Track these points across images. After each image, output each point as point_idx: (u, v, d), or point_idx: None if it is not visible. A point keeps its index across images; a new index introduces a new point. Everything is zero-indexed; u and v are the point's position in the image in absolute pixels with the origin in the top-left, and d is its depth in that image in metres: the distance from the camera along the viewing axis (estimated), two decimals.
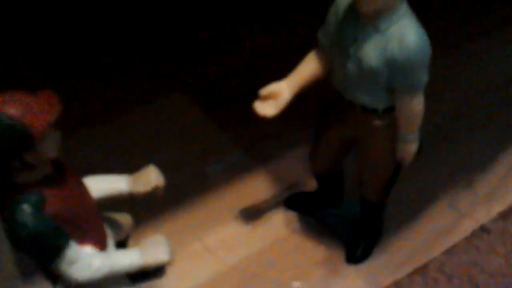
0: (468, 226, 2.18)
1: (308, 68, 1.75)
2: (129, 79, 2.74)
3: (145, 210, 2.15)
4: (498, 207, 2.25)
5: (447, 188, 2.32)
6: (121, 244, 1.83)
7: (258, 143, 2.45)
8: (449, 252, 2.05)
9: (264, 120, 1.86)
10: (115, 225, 1.78)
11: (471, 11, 3.25)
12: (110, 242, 1.63)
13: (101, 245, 1.54)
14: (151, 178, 1.60)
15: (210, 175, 2.35)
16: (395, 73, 1.56)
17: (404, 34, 1.51)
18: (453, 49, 2.98)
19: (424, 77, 1.58)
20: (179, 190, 2.25)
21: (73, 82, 2.72)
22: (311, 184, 2.22)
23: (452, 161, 2.42)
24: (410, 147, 1.73)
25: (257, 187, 2.31)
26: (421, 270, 2.03)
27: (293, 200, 2.24)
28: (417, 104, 1.63)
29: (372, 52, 1.55)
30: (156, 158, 2.31)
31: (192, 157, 2.40)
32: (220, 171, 2.36)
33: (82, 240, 1.49)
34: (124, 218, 1.85)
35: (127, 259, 1.53)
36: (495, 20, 3.20)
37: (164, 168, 2.25)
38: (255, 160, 2.40)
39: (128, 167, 1.77)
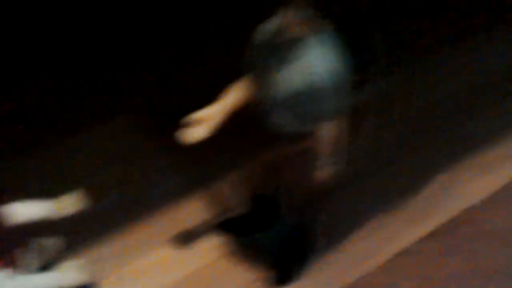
0: (393, 248, 2.26)
1: (236, 93, 1.83)
2: (73, 102, 2.78)
3: (80, 232, 2.19)
4: (424, 229, 2.33)
5: (379, 210, 2.39)
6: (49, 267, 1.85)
7: (195, 168, 2.50)
8: (372, 273, 2.12)
9: (201, 145, 1.93)
10: (40, 249, 1.80)
11: (426, 24, 3.31)
12: (31, 264, 1.66)
13: (17, 268, 1.57)
14: (69, 203, 1.67)
15: (148, 198, 2.37)
16: (313, 99, 1.63)
17: (323, 62, 1.60)
18: (408, 62, 3.04)
19: (340, 103, 1.66)
20: (117, 212, 2.30)
21: (16, 105, 2.75)
22: (245, 208, 2.27)
23: (387, 180, 2.51)
24: (329, 168, 1.80)
25: (192, 211, 2.36)
26: None
27: (226, 224, 2.29)
28: (334, 129, 1.71)
29: (291, 78, 1.63)
30: (96, 181, 2.37)
31: (131, 180, 2.45)
32: (158, 194, 2.39)
33: None
34: (51, 243, 1.88)
35: (43, 281, 1.56)
36: (453, 33, 3.28)
37: (103, 191, 2.31)
38: (192, 184, 2.44)
39: (70, 189, 1.81)
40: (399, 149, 2.67)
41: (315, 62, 1.58)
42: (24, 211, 1.67)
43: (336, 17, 1.78)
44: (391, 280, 2.09)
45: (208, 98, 1.91)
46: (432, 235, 2.32)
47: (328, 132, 1.69)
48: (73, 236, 2.15)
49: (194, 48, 3.15)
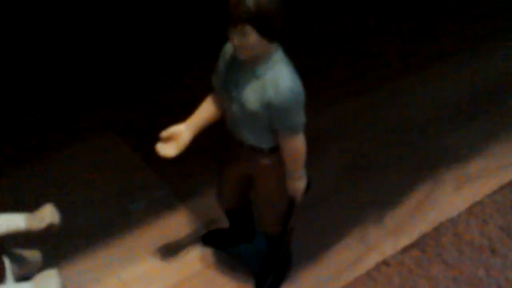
0: (373, 259, 2.28)
1: (206, 110, 1.87)
2: (56, 119, 2.85)
3: (63, 245, 2.25)
4: (404, 241, 2.36)
5: (357, 222, 2.43)
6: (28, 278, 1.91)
7: (179, 182, 2.56)
8: (351, 284, 2.14)
9: (185, 159, 1.98)
10: (21, 262, 1.86)
11: (388, 53, 3.42)
12: (10, 276, 1.71)
13: None
14: (46, 215, 1.70)
15: (131, 212, 2.44)
16: (273, 115, 1.67)
17: (279, 80, 1.63)
18: (374, 88, 3.14)
19: (300, 119, 1.69)
20: (98, 227, 2.36)
21: (5, 117, 2.84)
22: (227, 221, 2.32)
23: (363, 196, 2.54)
24: (298, 184, 1.84)
25: (176, 224, 2.41)
26: None
27: (209, 236, 2.33)
28: (298, 144, 1.74)
29: (251, 96, 1.67)
30: (81, 195, 2.44)
31: (116, 194, 2.50)
32: (142, 207, 2.46)
33: None
34: (33, 255, 1.93)
35: None
36: (417, 60, 3.38)
37: (87, 205, 2.38)
38: (175, 197, 2.50)
39: (57, 204, 1.88)
40: (378, 161, 2.71)
41: (277, 78, 1.60)
42: (2, 223, 1.72)
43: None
44: None
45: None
46: (414, 245, 2.34)
47: (295, 144, 1.72)
48: (54, 248, 2.23)
49: (179, 64, 3.22)
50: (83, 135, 2.77)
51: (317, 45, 3.44)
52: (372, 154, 2.74)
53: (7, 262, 1.72)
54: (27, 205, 2.35)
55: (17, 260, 1.83)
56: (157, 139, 1.87)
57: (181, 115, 2.40)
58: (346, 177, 2.61)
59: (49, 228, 1.72)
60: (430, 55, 3.44)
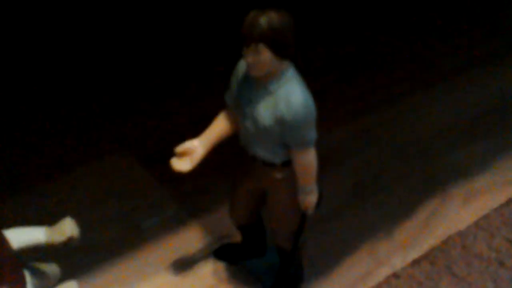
0: (383, 273, 2.32)
1: (219, 126, 1.92)
2: (69, 139, 2.92)
3: (78, 261, 2.30)
4: (413, 254, 2.39)
5: (368, 237, 2.46)
6: None
7: (191, 198, 2.61)
8: None
9: (197, 176, 2.02)
10: (40, 275, 1.90)
11: (397, 71, 3.48)
12: None
13: None
14: (66, 229, 1.74)
15: (145, 228, 2.48)
16: (285, 131, 1.72)
17: (291, 96, 1.68)
18: (382, 105, 3.19)
19: (312, 134, 1.74)
20: (113, 243, 2.41)
21: (17, 137, 2.90)
22: (239, 236, 2.36)
23: (373, 211, 2.58)
24: (310, 198, 1.88)
25: (188, 239, 2.45)
26: None
27: (221, 251, 2.37)
28: (309, 158, 1.79)
29: (264, 112, 1.72)
30: (95, 212, 2.49)
31: (129, 211, 2.55)
32: (155, 224, 2.50)
33: None
34: (51, 269, 1.98)
35: None
36: (425, 78, 3.43)
37: (100, 221, 2.42)
38: (188, 213, 2.54)
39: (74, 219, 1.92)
40: (387, 177, 2.75)
41: (289, 95, 1.66)
42: (22, 237, 1.76)
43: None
44: None
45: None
46: (423, 259, 2.37)
47: (307, 159, 1.76)
48: (70, 263, 2.27)
49: (193, 82, 3.29)
50: (97, 153, 2.83)
51: (325, 65, 3.50)
52: (381, 170, 2.78)
53: (27, 275, 1.76)
54: (42, 223, 2.40)
55: (37, 274, 1.87)
56: (168, 157, 1.92)
57: (194, 132, 2.46)
58: (356, 193, 2.65)
59: (69, 241, 1.76)
60: (438, 72, 3.49)
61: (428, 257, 2.34)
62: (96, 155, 2.80)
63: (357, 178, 2.72)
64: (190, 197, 2.60)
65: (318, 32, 3.77)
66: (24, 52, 3.49)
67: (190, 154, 1.89)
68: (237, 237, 2.43)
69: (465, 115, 3.15)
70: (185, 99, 3.19)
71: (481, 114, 3.16)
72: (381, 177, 2.73)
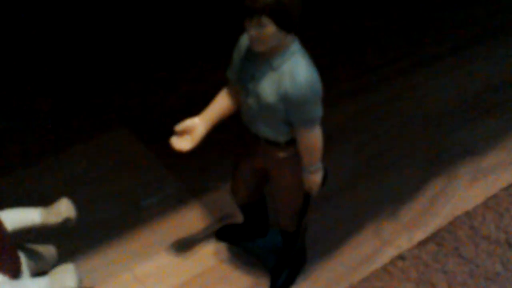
0: (388, 254, 2.26)
1: (220, 104, 1.85)
2: (72, 114, 2.86)
3: (77, 241, 2.25)
4: (419, 235, 2.34)
5: (373, 217, 2.41)
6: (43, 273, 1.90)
7: (192, 176, 2.55)
8: (367, 279, 2.13)
9: (198, 154, 1.96)
10: (36, 257, 1.85)
11: (403, 47, 3.41)
12: (26, 271, 1.70)
13: (13, 274, 1.62)
14: (61, 209, 1.69)
15: (145, 207, 2.43)
16: (290, 108, 1.65)
17: (295, 71, 1.61)
18: (387, 82, 3.13)
19: (317, 111, 1.67)
20: (113, 221, 2.35)
21: (14, 115, 2.83)
22: (241, 216, 2.31)
23: (378, 190, 2.53)
24: (314, 177, 1.82)
25: (189, 219, 2.40)
26: None
27: (223, 232, 2.32)
28: (314, 137, 1.72)
29: (267, 88, 1.65)
30: (94, 190, 2.44)
31: (129, 189, 2.50)
32: (155, 203, 2.45)
33: None
34: (48, 250, 1.93)
35: (35, 286, 1.60)
36: (431, 53, 3.36)
37: (101, 200, 2.38)
38: (189, 192, 2.49)
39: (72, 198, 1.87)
40: (392, 156, 2.69)
41: (294, 70, 1.58)
42: (16, 218, 1.71)
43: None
44: (388, 285, 2.09)
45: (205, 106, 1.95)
46: (430, 240, 2.32)
47: (311, 137, 1.70)
48: (68, 243, 2.22)
49: (192, 59, 3.22)
50: (96, 131, 2.77)
51: (328, 42, 3.43)
52: (386, 149, 2.73)
53: (23, 257, 1.71)
54: (40, 200, 2.36)
55: (33, 255, 1.82)
56: (170, 134, 1.85)
57: (195, 110, 2.40)
58: (360, 172, 2.59)
59: (65, 222, 1.71)
60: (444, 48, 3.42)
61: (435, 238, 2.28)
62: (95, 132, 2.75)
63: (362, 157, 2.66)
64: (191, 176, 2.55)
65: (319, 9, 3.69)
66: (23, 28, 3.41)
67: (191, 132, 1.83)
68: (238, 217, 2.38)
69: (471, 92, 3.09)
70: (188, 75, 3.12)
71: (487, 90, 3.10)
72: (385, 156, 2.68)
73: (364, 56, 3.30)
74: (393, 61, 3.27)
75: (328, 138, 1.82)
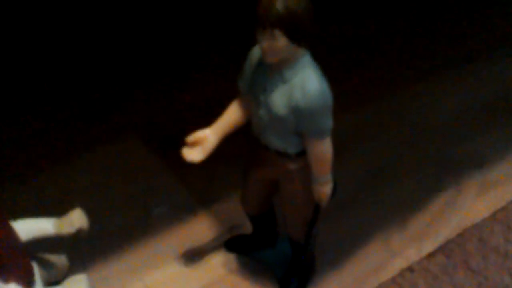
0: (397, 265, 2.27)
1: (231, 114, 1.87)
2: (81, 121, 2.89)
3: (87, 250, 2.26)
4: (428, 247, 2.34)
5: (381, 228, 2.42)
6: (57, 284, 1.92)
7: (202, 186, 2.56)
8: None
9: (208, 164, 1.96)
10: (48, 266, 1.87)
11: (409, 56, 3.42)
12: (39, 280, 1.72)
13: (26, 283, 1.64)
14: (74, 220, 1.70)
15: (154, 216, 2.44)
16: (301, 119, 1.66)
17: (306, 83, 1.62)
18: (394, 91, 3.13)
19: (328, 123, 1.68)
20: (123, 230, 2.37)
21: (23, 123, 2.86)
22: (250, 226, 2.32)
23: (388, 201, 2.53)
24: (324, 189, 1.83)
25: (199, 229, 2.41)
26: None
27: (232, 243, 2.33)
28: (325, 148, 1.73)
29: (278, 100, 1.67)
30: (103, 199, 2.45)
31: (139, 198, 2.52)
32: (165, 212, 2.46)
33: (6, 278, 1.59)
34: (60, 260, 1.95)
35: None
36: (439, 63, 3.37)
37: (109, 209, 2.39)
38: (198, 202, 2.50)
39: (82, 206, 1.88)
40: (400, 166, 2.70)
41: (305, 83, 1.60)
42: (30, 228, 1.73)
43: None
44: None
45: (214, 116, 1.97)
46: (438, 252, 2.32)
47: (322, 149, 1.71)
48: (79, 252, 2.24)
49: (197, 67, 3.24)
50: (106, 139, 2.78)
51: (336, 51, 3.44)
52: (395, 159, 2.73)
53: (35, 266, 1.73)
54: (50, 210, 2.37)
55: (45, 265, 1.84)
56: (179, 143, 1.87)
57: (204, 119, 2.41)
58: (368, 183, 2.60)
59: (78, 233, 1.72)
60: (452, 57, 3.42)
61: (444, 250, 2.29)
62: (105, 141, 2.76)
63: (370, 168, 2.67)
64: (200, 185, 2.57)
65: (326, 17, 3.70)
66: (30, 34, 3.44)
67: (202, 143, 1.84)
68: (247, 227, 2.39)
69: (479, 101, 3.09)
70: (198, 83, 3.14)
71: (495, 100, 3.09)
72: (393, 167, 2.68)
73: (372, 66, 3.31)
74: (401, 72, 3.28)
75: (336, 149, 1.83)
